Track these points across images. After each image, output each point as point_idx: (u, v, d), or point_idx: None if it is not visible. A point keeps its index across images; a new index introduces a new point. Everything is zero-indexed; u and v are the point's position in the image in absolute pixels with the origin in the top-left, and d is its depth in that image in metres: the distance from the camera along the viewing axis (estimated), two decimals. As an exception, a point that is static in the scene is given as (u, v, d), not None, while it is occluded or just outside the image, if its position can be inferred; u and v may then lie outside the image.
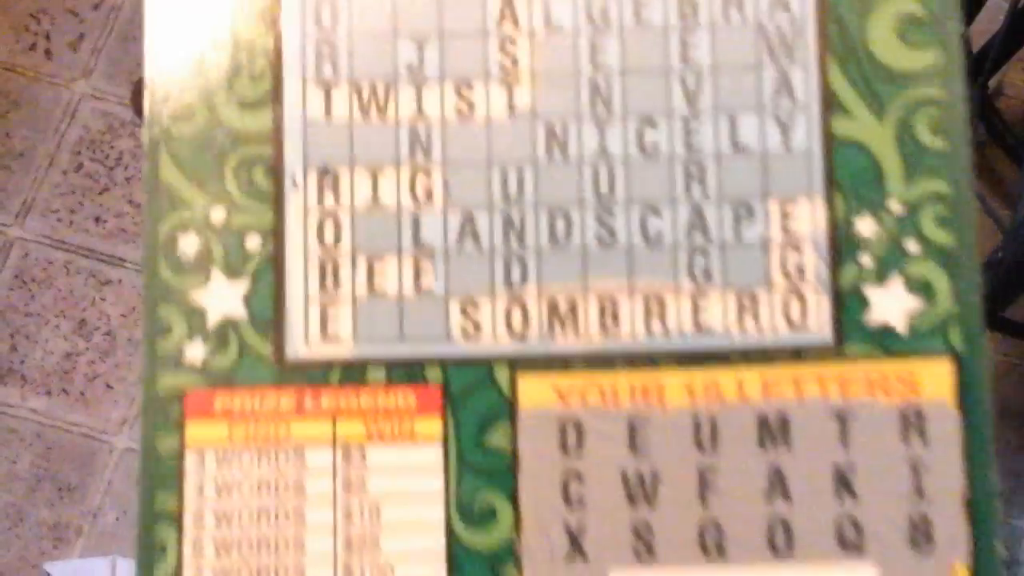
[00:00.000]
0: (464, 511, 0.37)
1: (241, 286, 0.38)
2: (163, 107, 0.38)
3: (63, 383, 1.61)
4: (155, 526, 0.37)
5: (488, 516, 0.37)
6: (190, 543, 0.37)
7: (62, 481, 1.60)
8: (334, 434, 0.38)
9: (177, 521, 0.37)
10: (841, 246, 0.38)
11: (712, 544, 0.37)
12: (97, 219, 1.66)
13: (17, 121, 1.70)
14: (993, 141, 1.63)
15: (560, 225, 0.38)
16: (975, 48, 1.48)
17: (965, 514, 0.37)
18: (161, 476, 0.38)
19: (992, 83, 1.66)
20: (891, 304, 0.37)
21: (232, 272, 0.38)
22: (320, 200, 0.38)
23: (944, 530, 0.37)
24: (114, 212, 1.67)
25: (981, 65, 1.36)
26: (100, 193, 1.68)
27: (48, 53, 1.75)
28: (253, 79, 0.39)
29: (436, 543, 0.37)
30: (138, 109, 1.68)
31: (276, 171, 0.38)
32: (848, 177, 0.38)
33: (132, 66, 1.72)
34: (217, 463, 0.38)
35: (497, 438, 0.38)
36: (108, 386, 1.61)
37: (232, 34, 0.39)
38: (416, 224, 0.38)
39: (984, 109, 1.53)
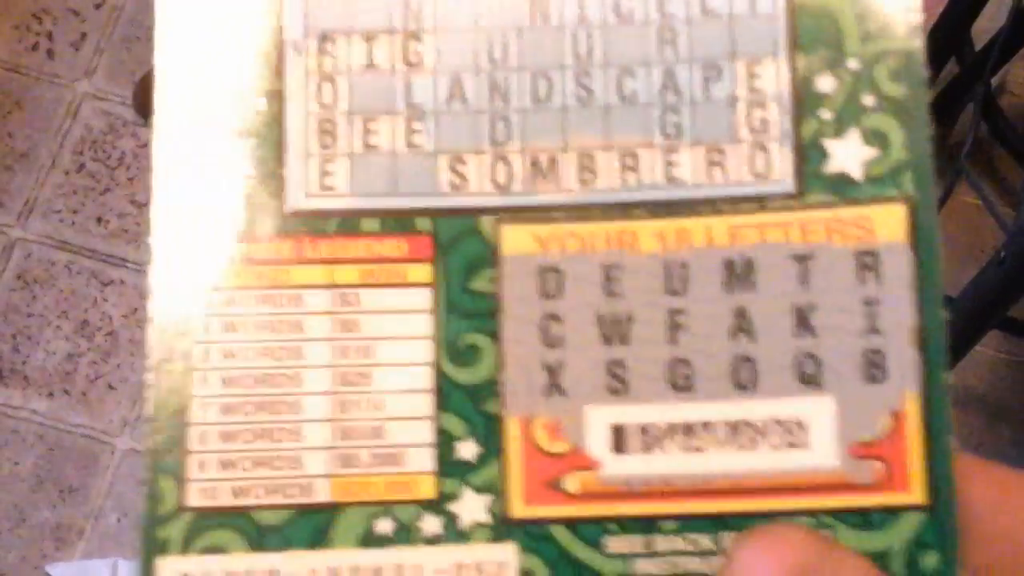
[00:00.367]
0: (451, 349, 0.40)
1: (249, 144, 0.41)
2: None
3: (65, 384, 1.62)
4: (167, 361, 0.40)
5: (473, 354, 0.40)
6: (199, 377, 0.40)
7: (64, 482, 1.60)
8: (331, 279, 0.40)
9: (187, 356, 0.40)
10: (803, 102, 0.40)
11: (681, 380, 0.40)
12: (99, 219, 1.68)
13: (19, 121, 1.72)
14: (996, 139, 1.65)
15: (542, 86, 0.41)
16: (978, 46, 1.50)
17: (916, 346, 0.39)
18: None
19: (995, 81, 1.68)
20: (849, 154, 0.40)
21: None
22: (319, 64, 0.41)
23: (896, 361, 0.39)
24: (116, 212, 1.68)
25: (984, 63, 1.38)
26: (102, 193, 1.69)
27: (50, 53, 1.77)
28: None
29: (425, 379, 0.40)
30: (140, 109, 1.70)
31: (278, 36, 0.41)
32: (809, 38, 0.40)
33: (134, 66, 1.74)
34: (223, 303, 0.40)
35: (482, 283, 0.40)
36: (110, 387, 1.62)
37: None
38: (408, 86, 0.41)
39: (987, 107, 1.55)
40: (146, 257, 0.40)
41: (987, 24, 1.41)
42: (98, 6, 1.79)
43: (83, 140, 1.72)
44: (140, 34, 1.76)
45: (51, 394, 1.62)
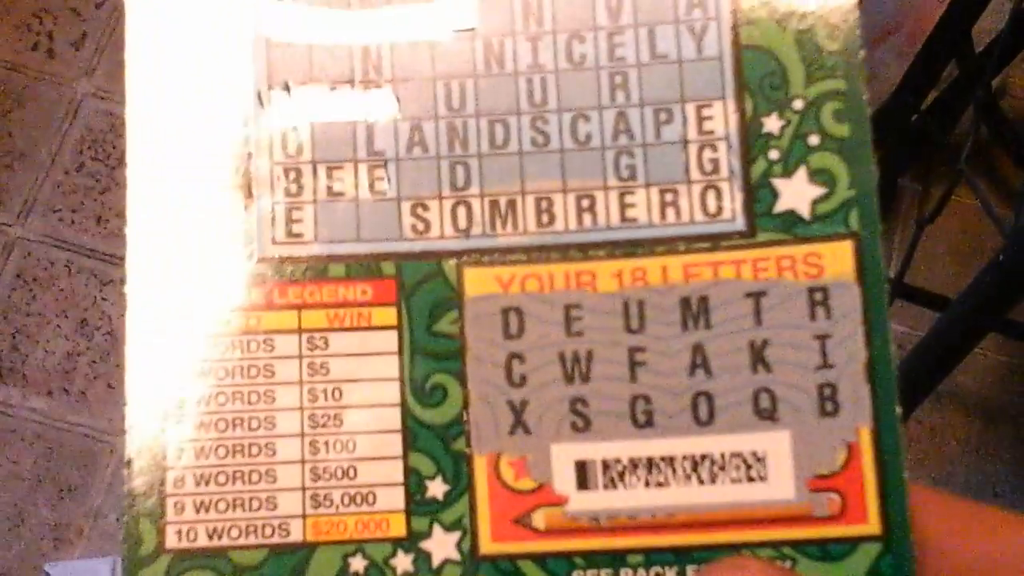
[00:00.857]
0: (417, 390, 0.41)
1: (216, 192, 0.42)
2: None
3: (64, 383, 1.62)
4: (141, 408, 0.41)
5: (439, 394, 0.41)
6: (174, 421, 0.41)
7: (63, 481, 1.61)
8: (299, 324, 0.42)
9: (161, 400, 0.41)
10: (752, 142, 0.42)
11: (642, 416, 0.41)
12: (99, 219, 1.68)
13: (19, 120, 1.72)
14: (996, 142, 1.65)
15: (499, 131, 0.42)
16: (978, 48, 1.50)
17: (867, 381, 0.40)
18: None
19: (995, 83, 1.68)
20: (797, 193, 0.41)
21: None
22: (283, 113, 0.42)
23: (849, 395, 0.40)
24: (116, 212, 1.68)
25: (984, 65, 1.38)
26: (102, 193, 1.70)
27: (51, 52, 1.77)
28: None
29: (393, 419, 0.41)
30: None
31: (244, 88, 0.42)
32: (755, 80, 0.42)
33: (132, 66, 1.75)
34: (196, 349, 0.41)
35: (446, 325, 0.42)
36: (109, 386, 1.62)
37: None
38: (370, 133, 0.42)
39: (987, 110, 1.54)
40: (121, 305, 0.41)
41: (987, 26, 1.41)
42: (99, 5, 1.79)
43: (83, 139, 1.72)
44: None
45: (50, 393, 1.62)
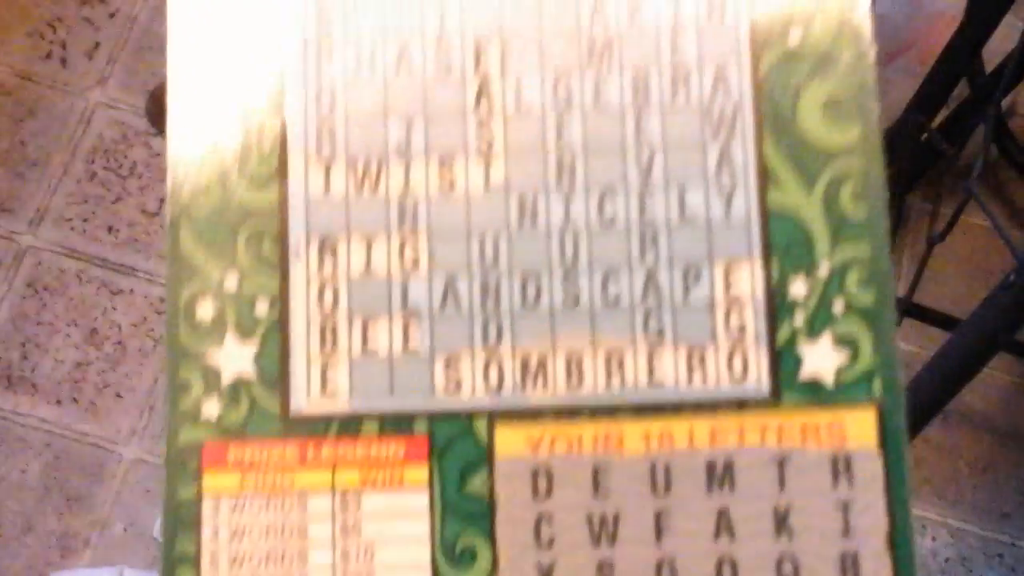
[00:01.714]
0: (447, 551, 0.42)
1: (251, 347, 0.43)
2: (183, 185, 0.43)
3: (73, 392, 1.62)
4: (176, 569, 0.42)
5: (469, 555, 0.42)
6: None
7: (71, 491, 1.61)
8: (333, 482, 0.42)
9: (196, 564, 0.42)
10: (777, 306, 0.42)
11: None
12: (110, 228, 1.68)
13: (32, 129, 1.72)
14: (1005, 162, 1.64)
15: (531, 289, 0.43)
16: (989, 68, 1.50)
17: (888, 550, 0.41)
18: (182, 522, 0.42)
19: (1006, 103, 1.68)
20: (821, 359, 0.42)
21: (243, 335, 0.43)
22: (320, 268, 0.43)
23: (870, 565, 0.41)
24: (127, 222, 1.68)
25: (995, 85, 1.37)
26: (113, 202, 1.69)
27: (64, 62, 1.77)
28: (261, 159, 0.43)
29: None
30: (153, 119, 1.71)
31: (282, 243, 0.43)
32: (782, 244, 0.42)
33: (147, 76, 1.74)
34: (231, 510, 0.42)
35: (477, 484, 0.42)
36: (118, 396, 1.62)
37: (243, 119, 0.43)
38: (404, 289, 0.43)
39: (998, 129, 1.54)
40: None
41: (998, 46, 1.40)
42: (112, 15, 1.79)
43: (95, 149, 1.72)
44: (153, 44, 1.76)
45: (59, 402, 1.62)
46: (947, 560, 1.60)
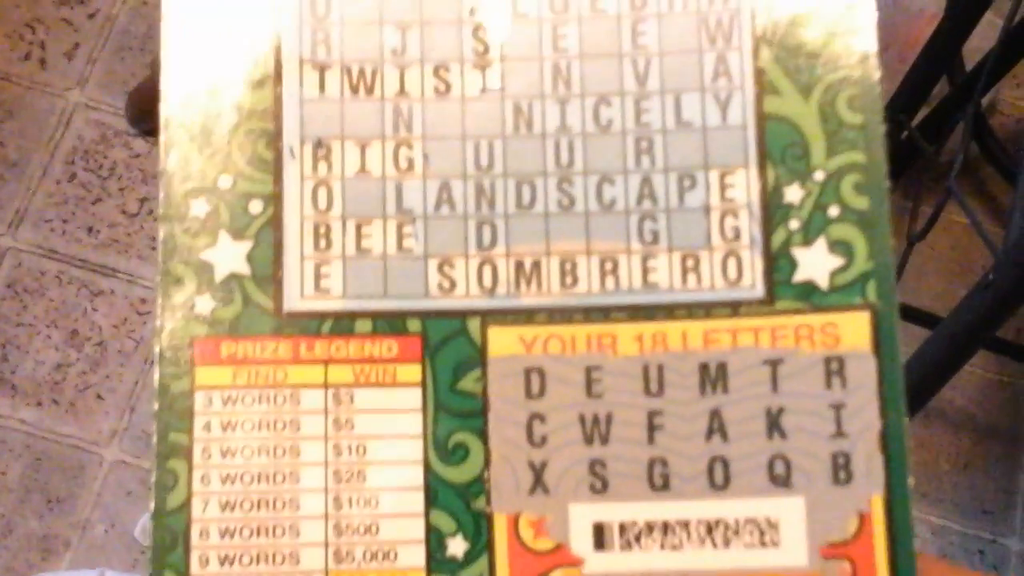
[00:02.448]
0: (440, 448, 0.42)
1: (245, 245, 0.43)
2: (176, 85, 0.43)
3: (54, 394, 1.62)
4: (168, 460, 0.42)
5: (461, 453, 0.42)
6: (199, 474, 0.42)
7: (51, 493, 1.60)
8: (326, 378, 0.42)
9: (187, 455, 0.42)
10: (772, 211, 0.42)
11: (659, 479, 0.42)
12: (90, 229, 1.68)
13: (11, 130, 1.72)
14: (986, 160, 1.65)
15: (526, 192, 0.43)
16: (969, 66, 1.51)
17: (880, 451, 0.41)
18: (174, 415, 0.42)
19: (985, 101, 1.69)
20: (815, 263, 0.42)
21: (237, 233, 0.43)
22: (315, 169, 0.43)
23: (862, 465, 0.41)
24: (107, 223, 1.68)
25: (975, 83, 1.38)
26: (93, 203, 1.69)
27: (43, 62, 1.77)
28: (256, 62, 0.43)
29: (415, 476, 0.42)
30: (132, 119, 1.71)
31: (276, 144, 0.43)
32: (778, 150, 0.42)
33: (127, 76, 1.74)
34: (223, 403, 0.42)
35: (469, 383, 0.42)
36: (99, 397, 1.62)
37: (237, 21, 0.43)
38: (399, 191, 0.43)
39: (977, 127, 1.55)
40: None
41: (978, 43, 1.41)
42: (91, 16, 1.79)
43: (75, 150, 1.72)
44: (133, 44, 1.77)
45: (39, 403, 1.62)
46: (928, 558, 1.60)
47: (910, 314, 1.47)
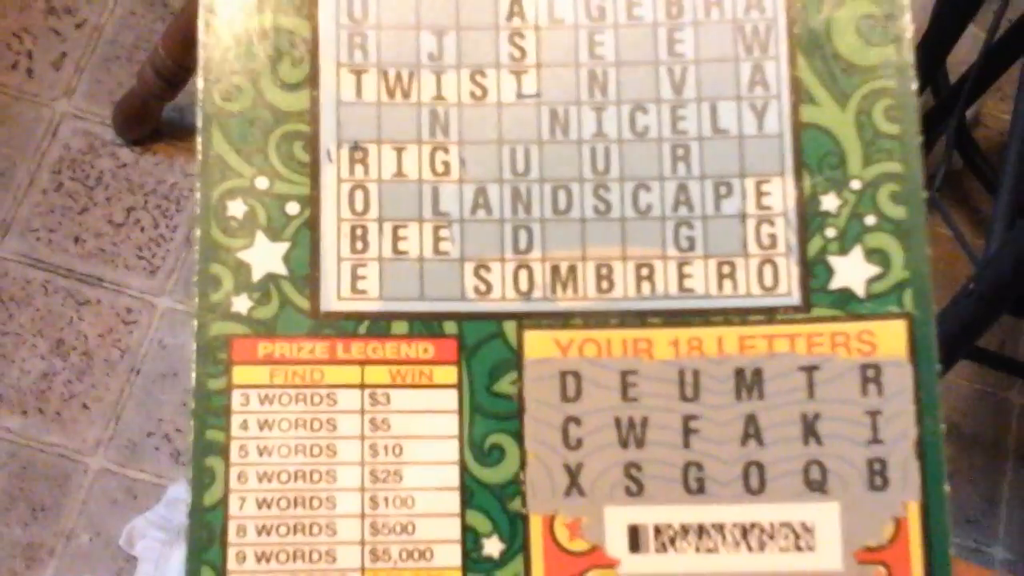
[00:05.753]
0: (475, 449, 0.42)
1: (282, 246, 0.43)
2: (215, 87, 0.43)
3: (39, 403, 1.61)
4: (205, 458, 0.42)
5: (497, 454, 0.42)
6: (236, 472, 0.42)
7: (36, 501, 1.59)
8: (362, 379, 0.42)
9: (224, 453, 0.42)
10: (809, 220, 0.43)
11: (694, 483, 0.42)
12: (76, 239, 1.67)
13: (-3, 140, 1.71)
14: (969, 171, 1.65)
15: (562, 198, 0.43)
16: (952, 78, 1.51)
17: (916, 457, 0.41)
18: (211, 413, 0.42)
19: (969, 114, 1.69)
20: (852, 271, 0.42)
21: (274, 234, 0.43)
22: (351, 172, 0.43)
23: (898, 472, 0.41)
24: (94, 232, 1.67)
25: (958, 95, 1.38)
26: (80, 213, 1.69)
27: (30, 72, 1.76)
28: (294, 64, 0.43)
29: (451, 477, 0.42)
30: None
31: (313, 146, 0.43)
32: (815, 159, 0.43)
33: (114, 86, 1.73)
34: (259, 402, 0.42)
35: (505, 385, 0.42)
36: (84, 406, 1.61)
37: (275, 24, 0.43)
38: (435, 195, 0.43)
39: (961, 139, 1.55)
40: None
41: (962, 56, 1.42)
42: (79, 26, 1.78)
43: (62, 159, 1.71)
44: (120, 54, 1.76)
45: (25, 412, 1.61)
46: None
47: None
